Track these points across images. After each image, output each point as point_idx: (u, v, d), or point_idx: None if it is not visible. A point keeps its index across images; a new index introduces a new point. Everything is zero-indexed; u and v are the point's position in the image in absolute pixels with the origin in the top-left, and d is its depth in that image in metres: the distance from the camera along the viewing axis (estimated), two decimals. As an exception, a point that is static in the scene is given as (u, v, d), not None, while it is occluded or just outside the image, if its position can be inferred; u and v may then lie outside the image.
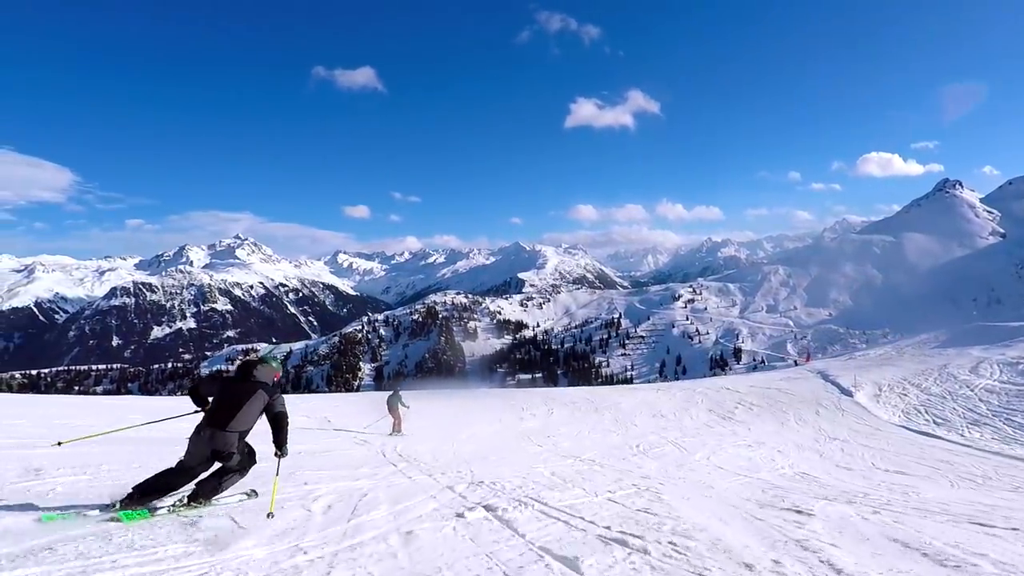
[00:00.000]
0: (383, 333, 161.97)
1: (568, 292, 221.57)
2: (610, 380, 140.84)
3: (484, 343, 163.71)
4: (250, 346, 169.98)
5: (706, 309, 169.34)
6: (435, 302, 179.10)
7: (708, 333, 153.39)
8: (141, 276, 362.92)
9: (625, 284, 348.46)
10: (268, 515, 4.46)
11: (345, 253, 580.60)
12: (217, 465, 4.64)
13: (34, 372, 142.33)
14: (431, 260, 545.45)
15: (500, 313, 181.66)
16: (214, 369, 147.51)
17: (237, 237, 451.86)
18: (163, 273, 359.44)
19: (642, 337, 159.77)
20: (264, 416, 4.71)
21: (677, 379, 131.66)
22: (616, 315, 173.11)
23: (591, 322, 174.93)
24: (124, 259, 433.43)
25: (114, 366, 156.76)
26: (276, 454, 4.85)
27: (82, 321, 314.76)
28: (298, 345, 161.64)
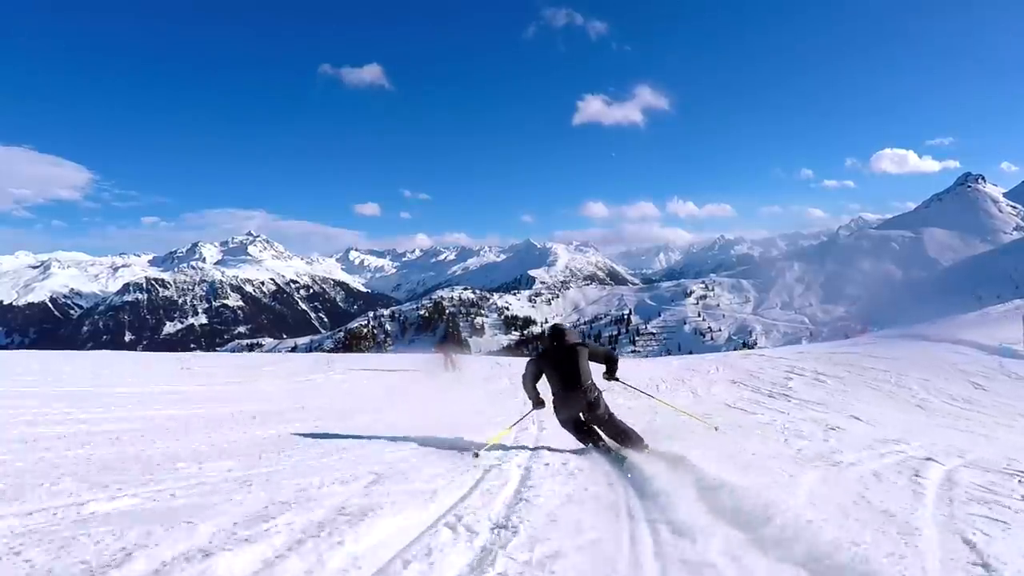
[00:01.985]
0: (389, 328, 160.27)
1: (578, 288, 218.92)
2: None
3: (491, 339, 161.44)
4: (255, 341, 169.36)
5: (719, 306, 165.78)
6: (442, 297, 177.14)
7: (720, 330, 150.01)
8: (154, 272, 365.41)
9: (636, 282, 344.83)
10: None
11: (357, 250, 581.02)
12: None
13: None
14: (442, 257, 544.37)
15: (508, 309, 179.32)
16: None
17: (249, 234, 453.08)
18: (175, 269, 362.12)
19: (653, 333, 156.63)
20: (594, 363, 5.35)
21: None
22: (626, 311, 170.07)
23: (601, 318, 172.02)
24: (138, 256, 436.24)
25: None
26: (616, 378, 5.56)
27: (96, 316, 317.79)
28: (303, 340, 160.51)
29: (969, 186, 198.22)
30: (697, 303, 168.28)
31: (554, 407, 5.26)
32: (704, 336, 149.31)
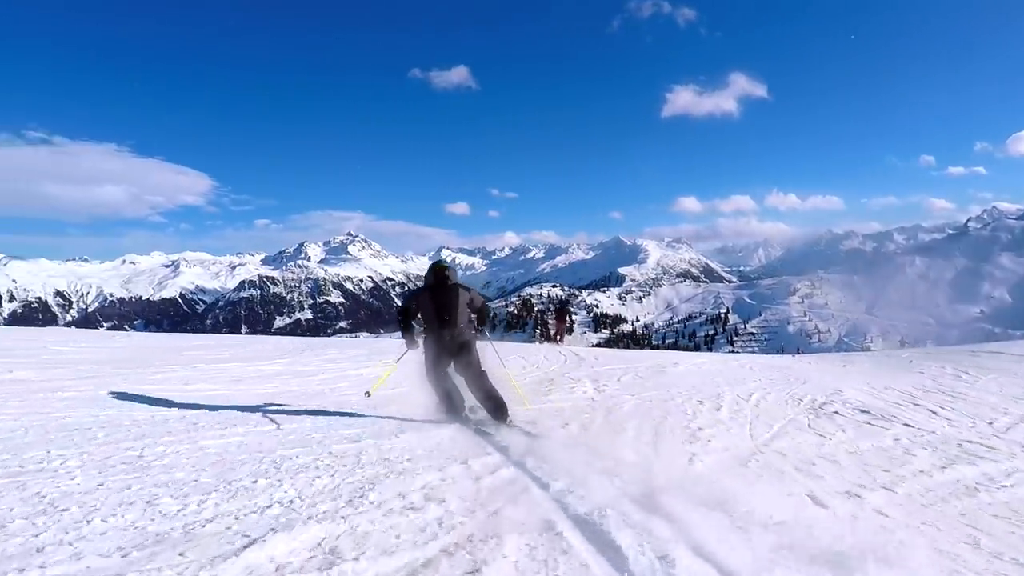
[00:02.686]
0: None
1: (670, 286, 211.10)
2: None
3: (580, 337, 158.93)
4: (354, 336, 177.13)
5: (827, 304, 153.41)
6: (531, 295, 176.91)
7: (829, 331, 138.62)
8: (266, 271, 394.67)
9: (733, 279, 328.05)
10: (366, 393, 5.44)
11: (448, 249, 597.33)
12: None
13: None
14: (530, 255, 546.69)
15: (597, 307, 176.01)
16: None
17: (349, 234, 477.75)
18: (284, 268, 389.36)
19: (752, 334, 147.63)
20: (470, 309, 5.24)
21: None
22: (723, 310, 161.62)
23: (695, 317, 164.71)
24: (252, 255, 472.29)
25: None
26: (484, 332, 5.50)
27: (216, 311, 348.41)
28: (397, 335, 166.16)
29: None
30: (802, 301, 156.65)
31: (424, 348, 5.08)
32: (811, 337, 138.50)
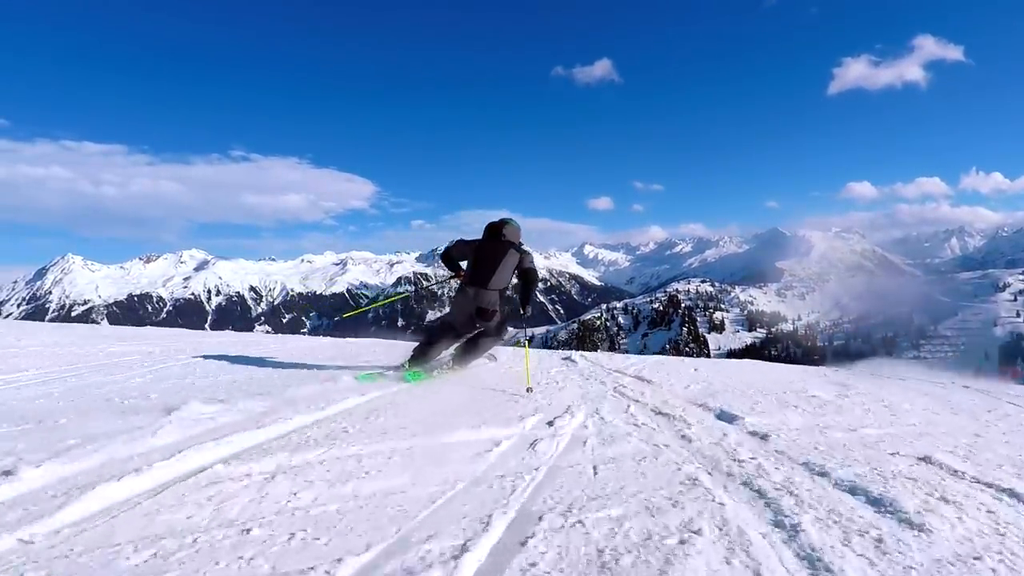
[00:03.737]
0: (622, 321, 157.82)
1: (839, 281, 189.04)
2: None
3: (732, 336, 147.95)
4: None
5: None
6: (677, 290, 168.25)
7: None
8: (420, 268, 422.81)
9: (917, 273, 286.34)
10: (527, 389, 4.52)
11: (591, 245, 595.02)
12: (475, 332, 5.04)
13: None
14: (677, 250, 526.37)
15: (752, 303, 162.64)
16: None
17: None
18: (436, 265, 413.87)
19: (946, 337, 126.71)
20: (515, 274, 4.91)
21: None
22: (907, 309, 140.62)
23: (871, 316, 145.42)
24: (408, 253, 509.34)
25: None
26: (522, 312, 4.93)
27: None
28: (539, 330, 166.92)
29: None
30: (1014, 299, 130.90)
31: (450, 300, 4.94)
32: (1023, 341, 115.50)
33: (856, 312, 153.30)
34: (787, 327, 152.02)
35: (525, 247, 4.93)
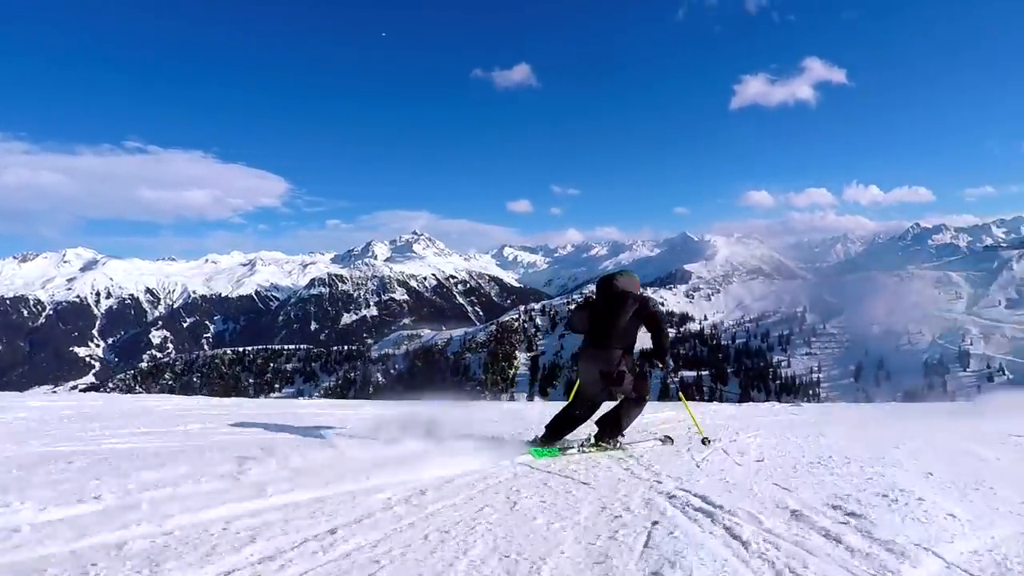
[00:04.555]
0: (539, 323, 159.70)
1: (741, 283, 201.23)
2: (791, 383, 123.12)
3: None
4: (415, 332, 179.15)
5: (918, 303, 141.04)
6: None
7: (922, 332, 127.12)
8: (335, 269, 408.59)
9: (808, 276, 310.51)
10: (704, 440, 4.41)
11: (510, 247, 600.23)
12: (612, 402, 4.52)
13: (240, 349, 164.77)
14: (593, 252, 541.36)
15: (663, 304, 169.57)
16: (383, 352, 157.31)
17: (414, 233, 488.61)
18: (352, 266, 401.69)
19: (832, 335, 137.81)
20: (644, 327, 4.39)
21: (877, 386, 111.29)
22: (800, 309, 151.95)
23: (768, 316, 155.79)
24: (322, 254, 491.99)
25: (301, 346, 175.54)
26: (659, 365, 4.45)
27: (288, 308, 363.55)
28: (457, 332, 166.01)
29: None
30: (890, 299, 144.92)
31: (576, 365, 4.66)
32: (900, 339, 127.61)
33: (756, 312, 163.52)
34: (695, 327, 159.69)
35: (645, 294, 4.44)
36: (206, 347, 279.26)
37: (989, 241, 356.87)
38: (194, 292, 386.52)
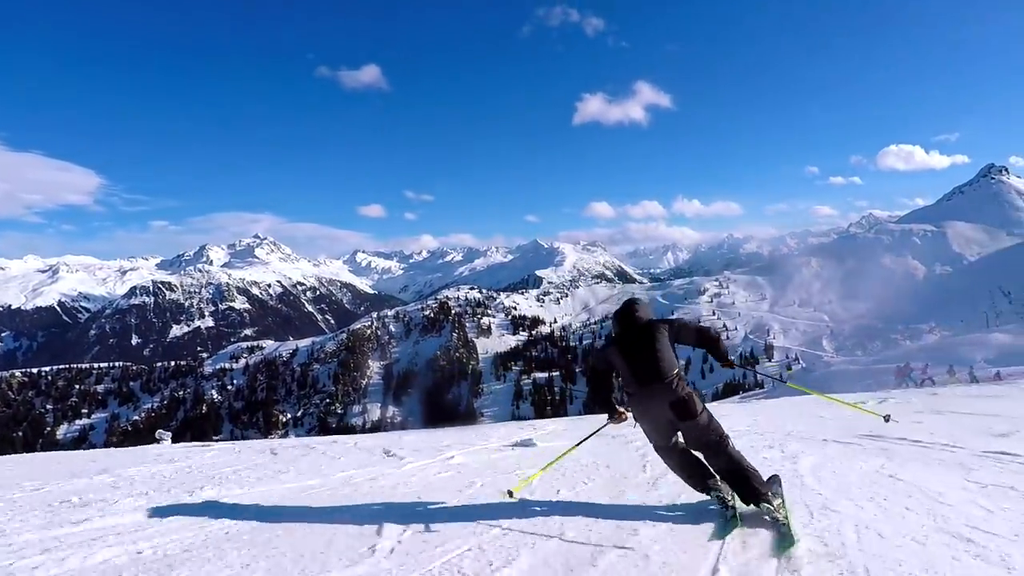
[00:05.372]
0: (393, 330, 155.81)
1: (587, 287, 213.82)
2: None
3: (498, 339, 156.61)
4: (256, 343, 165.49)
5: (733, 303, 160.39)
6: (448, 297, 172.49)
7: (736, 328, 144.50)
8: (161, 275, 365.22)
9: (645, 281, 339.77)
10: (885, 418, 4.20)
11: (364, 252, 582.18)
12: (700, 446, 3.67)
13: (35, 370, 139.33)
14: (449, 258, 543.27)
15: (515, 309, 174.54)
16: (219, 367, 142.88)
17: (256, 237, 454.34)
18: (182, 272, 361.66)
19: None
20: (681, 345, 3.82)
21: (704, 378, 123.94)
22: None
23: (611, 317, 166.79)
24: (146, 259, 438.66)
25: (116, 364, 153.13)
26: (727, 362, 3.87)
27: (103, 320, 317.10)
28: (304, 342, 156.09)
29: (993, 178, 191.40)
30: (711, 301, 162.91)
31: (634, 417, 3.68)
32: (720, 335, 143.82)
33: (600, 314, 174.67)
34: (546, 329, 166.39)
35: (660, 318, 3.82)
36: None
37: (785, 250, 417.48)
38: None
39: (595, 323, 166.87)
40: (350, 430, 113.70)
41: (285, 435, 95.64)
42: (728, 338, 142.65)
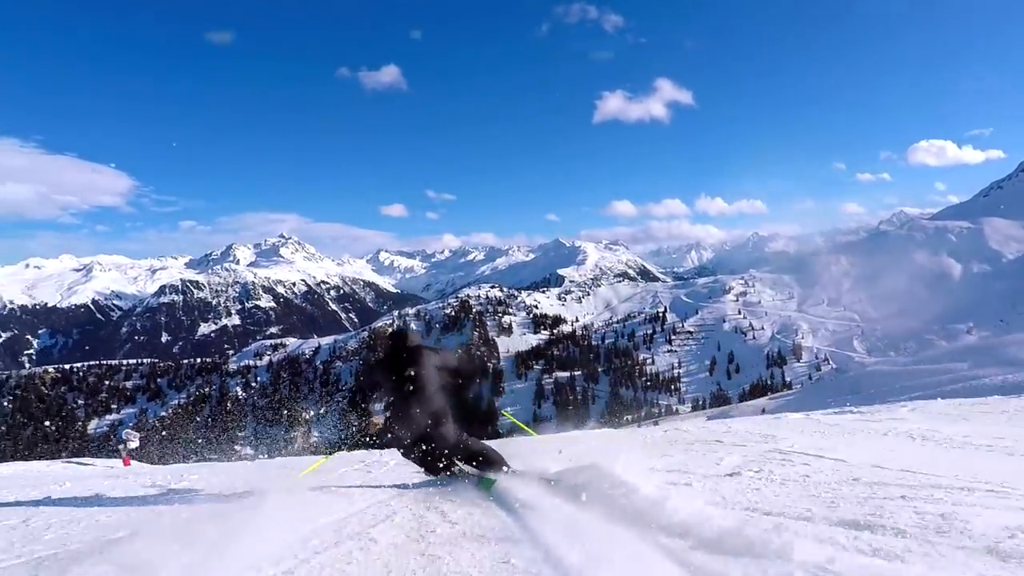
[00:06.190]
0: (414, 327, 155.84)
1: (609, 286, 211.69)
2: (655, 379, 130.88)
3: (519, 338, 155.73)
4: (279, 341, 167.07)
5: (760, 303, 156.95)
6: (468, 296, 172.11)
7: (763, 328, 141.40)
8: (190, 274, 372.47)
9: (668, 280, 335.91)
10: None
11: (387, 251, 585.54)
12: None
13: (67, 366, 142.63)
14: (470, 257, 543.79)
15: (537, 307, 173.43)
16: (243, 364, 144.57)
17: (282, 236, 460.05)
18: (210, 271, 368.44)
19: (690, 332, 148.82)
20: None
21: (729, 378, 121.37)
22: (661, 309, 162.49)
23: (634, 316, 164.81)
24: (175, 258, 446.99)
25: (145, 361, 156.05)
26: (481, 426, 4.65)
27: (134, 318, 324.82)
28: (326, 340, 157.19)
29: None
30: (737, 300, 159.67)
31: (389, 430, 4.02)
32: (746, 335, 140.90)
33: (622, 313, 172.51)
34: (567, 328, 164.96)
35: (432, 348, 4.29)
36: (28, 365, 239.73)
37: (813, 248, 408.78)
38: (11, 302, 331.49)
39: (617, 322, 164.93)
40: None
41: (308, 432, 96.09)
42: (754, 337, 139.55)
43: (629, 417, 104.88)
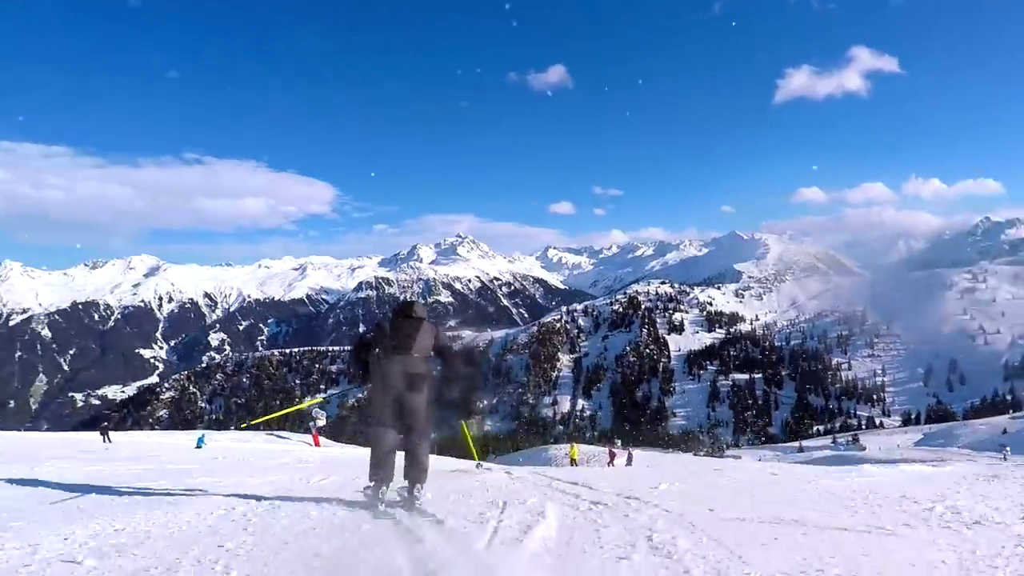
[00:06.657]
0: (582, 324, 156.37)
1: (795, 281, 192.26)
2: (852, 387, 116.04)
3: (692, 337, 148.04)
4: (456, 334, 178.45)
5: (994, 300, 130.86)
6: (637, 292, 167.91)
7: (999, 332, 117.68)
8: (382, 272, 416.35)
9: (866, 274, 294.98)
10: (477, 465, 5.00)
11: (555, 248, 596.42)
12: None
13: (288, 351, 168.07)
14: (639, 253, 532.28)
15: (711, 304, 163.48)
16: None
17: (459, 236, 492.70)
18: (398, 269, 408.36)
19: (897, 336, 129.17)
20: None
21: (951, 390, 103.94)
22: (860, 308, 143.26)
23: (825, 316, 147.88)
24: (370, 258, 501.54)
25: (347, 348, 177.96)
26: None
27: (337, 310, 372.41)
28: (499, 333, 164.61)
29: None
30: (961, 297, 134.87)
31: (371, 382, 4.24)
32: (974, 340, 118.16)
33: (811, 311, 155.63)
34: (745, 327, 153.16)
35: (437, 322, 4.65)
36: (261, 348, 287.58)
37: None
38: (249, 296, 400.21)
39: (805, 321, 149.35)
40: (541, 421, 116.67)
41: (482, 421, 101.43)
42: (986, 342, 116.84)
43: (819, 428, 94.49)
